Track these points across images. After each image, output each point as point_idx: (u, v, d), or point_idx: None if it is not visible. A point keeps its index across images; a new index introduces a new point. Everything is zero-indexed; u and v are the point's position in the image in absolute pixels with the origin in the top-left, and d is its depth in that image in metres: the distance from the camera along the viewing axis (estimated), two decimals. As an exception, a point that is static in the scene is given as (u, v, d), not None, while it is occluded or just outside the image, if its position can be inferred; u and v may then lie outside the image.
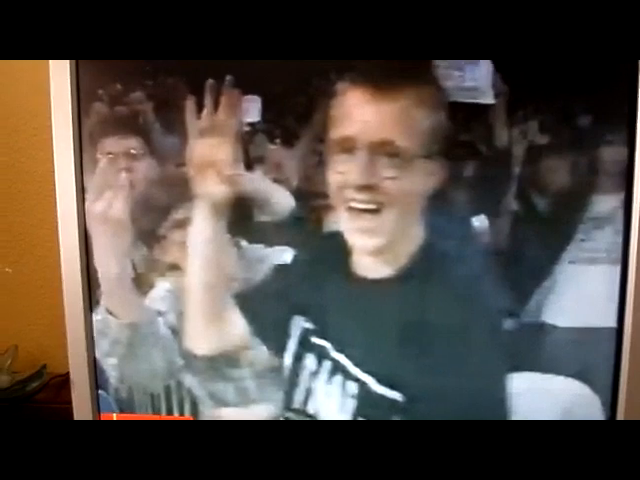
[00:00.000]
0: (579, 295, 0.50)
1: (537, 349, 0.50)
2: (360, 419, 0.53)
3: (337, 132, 0.49)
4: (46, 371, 0.80)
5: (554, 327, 0.50)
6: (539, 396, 0.51)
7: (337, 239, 0.51)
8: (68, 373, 0.79)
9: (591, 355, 0.50)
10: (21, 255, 0.84)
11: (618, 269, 0.49)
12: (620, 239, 0.49)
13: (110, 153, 0.52)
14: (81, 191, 0.52)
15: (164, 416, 0.55)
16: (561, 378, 0.51)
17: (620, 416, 0.50)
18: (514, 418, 0.51)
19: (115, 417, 0.56)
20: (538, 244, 0.50)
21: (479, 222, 0.50)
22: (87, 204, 0.53)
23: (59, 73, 0.50)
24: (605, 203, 0.49)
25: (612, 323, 0.50)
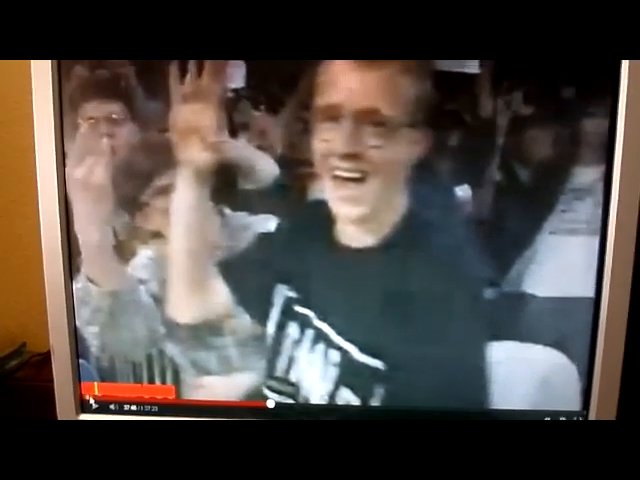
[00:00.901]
0: (559, 265, 0.51)
1: (517, 318, 0.51)
2: (342, 389, 0.53)
3: (322, 100, 0.49)
4: (26, 350, 0.80)
5: (534, 297, 0.51)
6: (518, 364, 0.52)
7: (321, 207, 0.50)
8: (48, 352, 0.79)
9: (569, 324, 0.51)
10: (1, 232, 0.82)
11: (597, 240, 0.50)
12: (600, 211, 0.49)
13: (91, 118, 0.51)
14: (61, 156, 0.51)
15: (145, 385, 0.55)
16: (539, 347, 0.52)
17: (595, 384, 0.51)
18: (493, 386, 0.52)
19: (96, 385, 0.55)
20: (520, 214, 0.50)
21: (462, 192, 0.50)
22: (67, 170, 0.52)
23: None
24: (586, 175, 0.49)
25: (590, 293, 0.51)
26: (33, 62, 0.50)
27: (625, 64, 0.47)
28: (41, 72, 0.50)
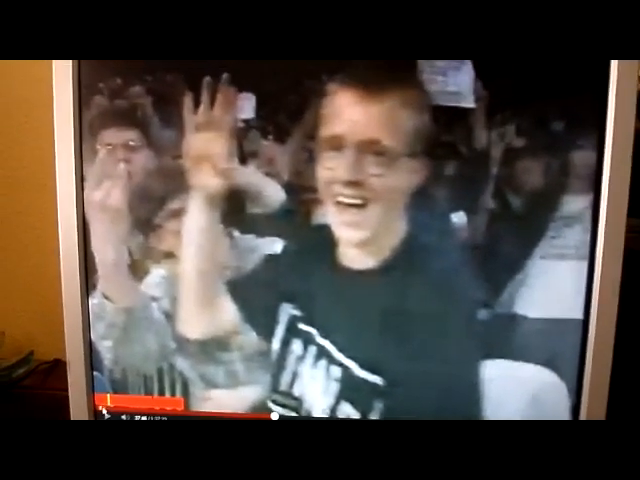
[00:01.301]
0: (549, 288, 0.53)
1: (509, 338, 0.53)
2: (343, 403, 0.55)
3: (327, 130, 0.51)
4: (33, 358, 0.81)
5: (525, 318, 0.53)
6: (510, 382, 0.54)
7: (325, 231, 0.53)
8: (55, 360, 0.81)
9: (559, 345, 0.53)
10: (8, 242, 0.85)
11: (585, 265, 0.52)
12: (588, 237, 0.52)
13: (109, 144, 0.54)
14: (80, 180, 0.54)
15: (156, 397, 0.57)
16: (530, 366, 0.54)
17: (584, 402, 0.53)
18: (486, 402, 0.54)
19: (109, 397, 0.57)
20: (512, 240, 0.52)
21: (458, 218, 0.52)
22: (86, 192, 0.54)
23: (62, 67, 0.52)
24: (575, 203, 0.52)
25: (579, 315, 0.53)
26: (55, 90, 0.52)
27: (612, 99, 0.49)
28: (63, 101, 0.52)
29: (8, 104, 0.81)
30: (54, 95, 0.52)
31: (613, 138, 0.50)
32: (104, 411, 0.57)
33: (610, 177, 0.50)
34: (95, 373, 0.57)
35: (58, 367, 0.81)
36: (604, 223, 0.51)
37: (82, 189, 0.54)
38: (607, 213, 0.51)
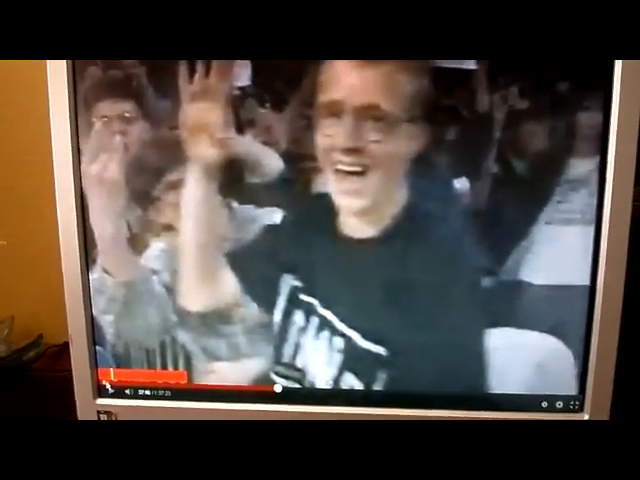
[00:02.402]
0: (555, 254, 0.52)
1: (514, 306, 0.53)
2: (346, 374, 0.55)
3: (325, 96, 0.50)
4: (42, 341, 0.82)
5: (530, 285, 0.52)
6: (515, 351, 0.53)
7: (324, 200, 0.52)
8: (64, 343, 0.82)
9: (565, 311, 0.53)
10: (15, 227, 0.85)
11: (592, 230, 0.51)
12: (594, 201, 0.51)
13: (105, 116, 0.53)
14: (77, 153, 0.53)
15: (159, 370, 0.57)
16: (536, 333, 0.53)
17: (591, 369, 0.53)
18: (491, 371, 0.54)
19: (112, 371, 0.57)
20: (516, 205, 0.51)
21: (460, 184, 0.51)
22: (83, 166, 0.53)
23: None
24: (581, 166, 0.50)
25: (585, 281, 0.52)
26: (49, 64, 0.52)
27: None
28: (57, 73, 0.52)
29: (10, 90, 0.81)
30: (47, 67, 0.51)
31: (620, 98, 0.48)
32: (107, 385, 0.58)
33: (617, 139, 0.49)
34: (98, 348, 0.57)
35: (67, 350, 0.81)
36: (611, 186, 0.50)
37: (79, 163, 0.53)
38: (614, 175, 0.50)
